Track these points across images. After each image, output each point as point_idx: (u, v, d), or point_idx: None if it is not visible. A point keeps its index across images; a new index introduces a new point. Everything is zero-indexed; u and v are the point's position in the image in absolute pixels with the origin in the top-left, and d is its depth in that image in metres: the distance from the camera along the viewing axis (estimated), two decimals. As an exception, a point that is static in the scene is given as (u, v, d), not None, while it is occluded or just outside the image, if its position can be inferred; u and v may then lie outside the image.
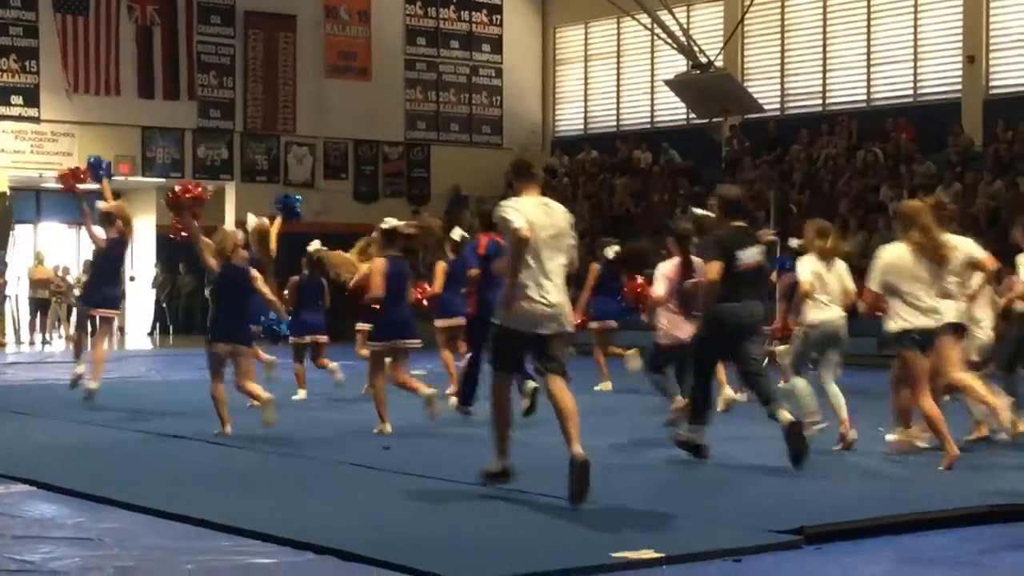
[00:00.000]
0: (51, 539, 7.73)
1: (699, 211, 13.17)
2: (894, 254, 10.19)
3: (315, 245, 15.11)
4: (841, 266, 11.50)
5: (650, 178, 30.79)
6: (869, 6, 28.49)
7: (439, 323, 15.08)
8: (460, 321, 14.31)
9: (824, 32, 29.42)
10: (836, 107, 29.14)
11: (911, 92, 28.08)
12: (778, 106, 30.07)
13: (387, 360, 12.32)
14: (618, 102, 33.66)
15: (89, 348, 14.96)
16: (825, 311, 11.17)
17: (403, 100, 33.16)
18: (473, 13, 34.08)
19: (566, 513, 8.20)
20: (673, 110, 31.48)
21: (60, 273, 29.75)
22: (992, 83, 26.65)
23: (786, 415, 9.91)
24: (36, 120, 28.98)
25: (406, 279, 12.45)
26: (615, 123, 33.59)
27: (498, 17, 34.42)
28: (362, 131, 32.38)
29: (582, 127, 34.46)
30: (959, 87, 27.08)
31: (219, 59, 30.86)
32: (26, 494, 9.27)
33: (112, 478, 9.69)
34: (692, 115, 30.30)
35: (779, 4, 30.02)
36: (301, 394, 15.27)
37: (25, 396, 15.30)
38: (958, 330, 10.85)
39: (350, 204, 31.54)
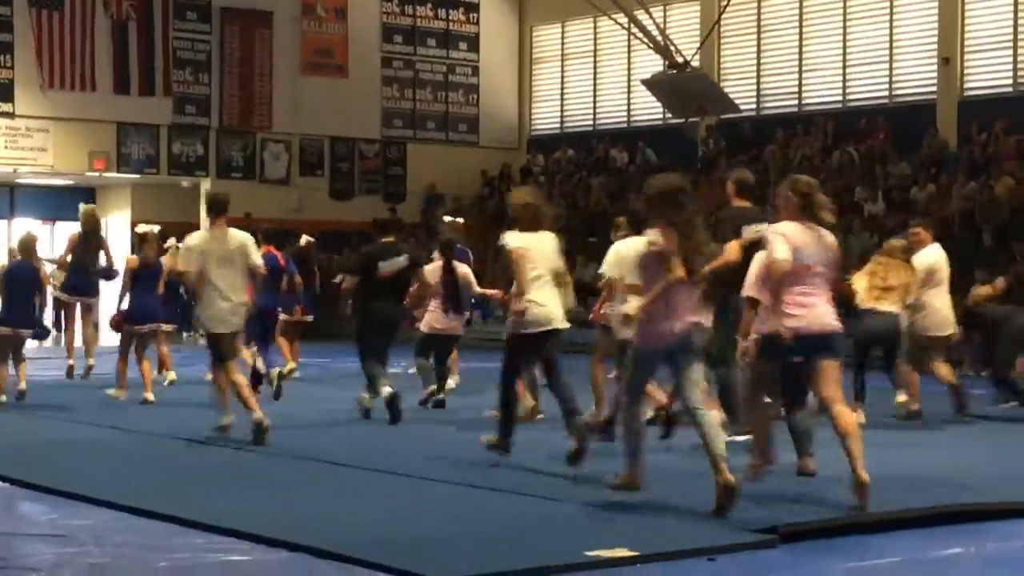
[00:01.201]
0: (24, 536, 7.70)
1: (448, 218, 14.80)
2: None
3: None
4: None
5: (626, 177, 30.82)
6: (845, 7, 28.57)
7: None
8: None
9: (800, 33, 29.49)
10: (811, 108, 29.21)
11: (886, 93, 28.17)
12: (754, 106, 30.13)
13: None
14: (594, 101, 33.69)
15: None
16: None
17: (380, 97, 33.11)
18: (450, 11, 34.05)
19: (540, 511, 8.21)
20: (649, 109, 31.50)
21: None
22: (967, 85, 26.76)
23: (387, 390, 12.59)
24: (10, 115, 28.83)
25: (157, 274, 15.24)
26: (591, 122, 33.62)
27: (475, 15, 34.40)
28: (338, 128, 32.32)
29: (558, 126, 34.47)
30: (934, 89, 27.18)
31: (195, 55, 30.77)
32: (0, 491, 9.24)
33: (86, 475, 9.66)
34: (668, 115, 30.32)
35: (755, 4, 30.07)
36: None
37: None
38: None
39: (326, 201, 31.51)
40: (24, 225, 31.07)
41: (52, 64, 28.95)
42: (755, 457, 8.73)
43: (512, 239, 10.07)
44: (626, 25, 29.63)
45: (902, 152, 26.47)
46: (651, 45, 29.13)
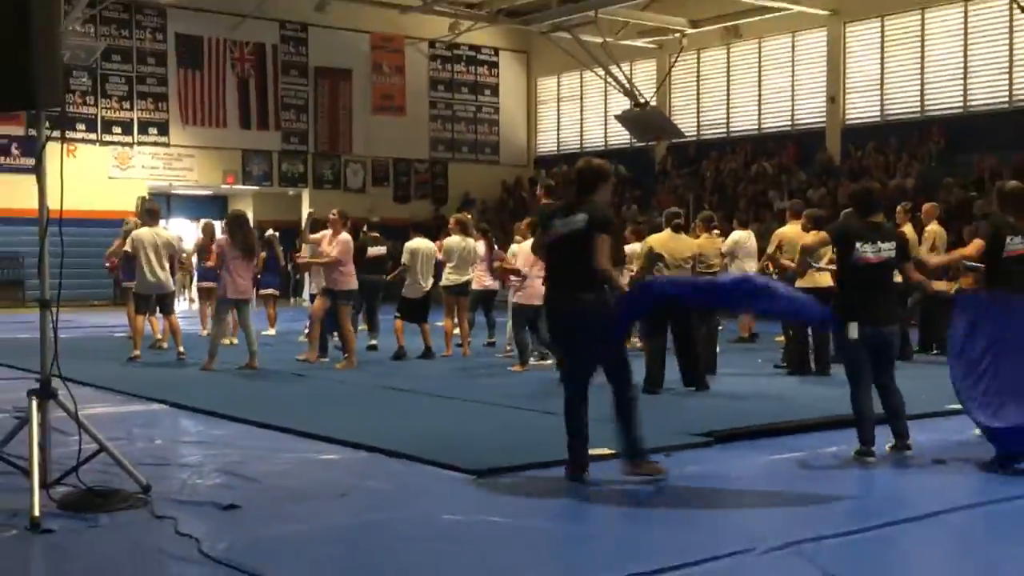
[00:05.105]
0: (180, 442, 7.74)
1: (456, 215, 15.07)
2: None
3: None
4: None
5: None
6: (760, 61, 28.42)
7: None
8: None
9: (728, 80, 29.33)
10: (736, 134, 29.09)
11: (790, 123, 28.04)
12: (695, 133, 30.02)
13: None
14: (581, 131, 33.58)
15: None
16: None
17: (428, 129, 33.06)
18: (478, 68, 33.94)
19: (544, 424, 8.22)
20: (620, 136, 31.38)
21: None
22: (847, 116, 26.62)
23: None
24: (167, 145, 28.87)
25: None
26: (579, 145, 33.49)
27: (496, 70, 34.29)
28: (399, 152, 32.31)
29: (556, 149, 34.36)
30: (824, 119, 27.04)
31: (296, 101, 30.73)
32: (161, 411, 9.28)
33: (219, 400, 9.70)
34: (634, 140, 30.24)
35: (695, 59, 29.92)
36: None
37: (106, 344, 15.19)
38: None
39: (391, 204, 31.46)
40: (179, 224, 31.32)
41: (193, 108, 28.98)
42: None
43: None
44: (603, 76, 29.52)
45: (801, 165, 26.38)
46: (621, 90, 29.01)
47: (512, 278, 12.02)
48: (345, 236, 12.33)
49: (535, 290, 11.66)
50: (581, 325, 6.08)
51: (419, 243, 13.28)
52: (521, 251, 12.00)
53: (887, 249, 6.79)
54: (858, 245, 6.75)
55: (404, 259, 13.37)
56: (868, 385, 6.83)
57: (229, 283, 11.84)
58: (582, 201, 6.26)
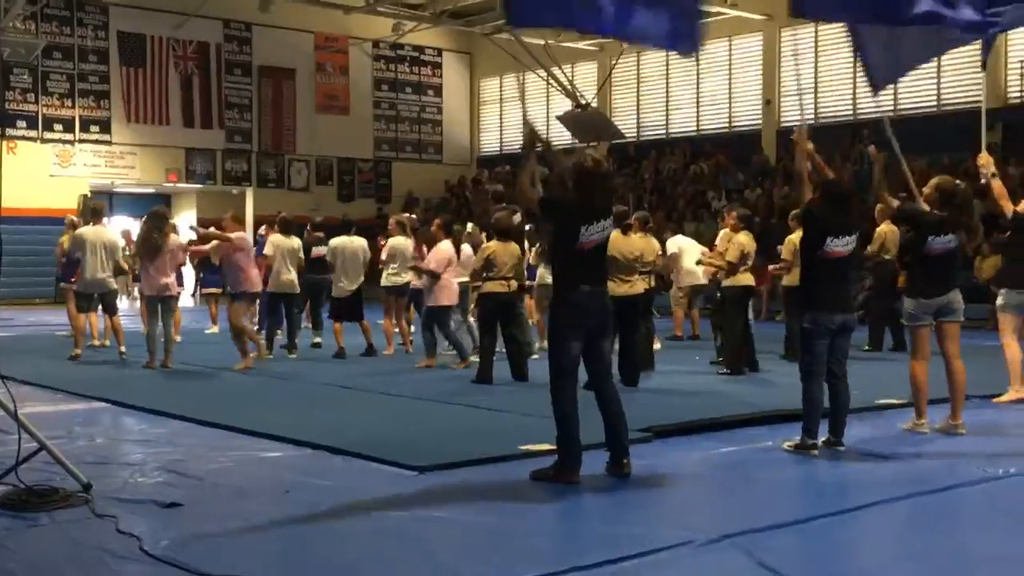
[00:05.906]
0: (121, 440, 7.62)
1: (396, 216, 14.76)
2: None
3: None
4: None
5: (546, 184, 30.70)
6: (698, 64, 28.64)
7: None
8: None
9: (667, 81, 29.56)
10: (675, 135, 29.33)
11: (727, 125, 28.31)
12: (635, 134, 30.20)
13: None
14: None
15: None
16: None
17: (372, 129, 32.91)
18: (421, 68, 33.86)
19: (485, 420, 8.21)
20: (563, 137, 31.47)
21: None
22: (782, 119, 26.94)
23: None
24: (109, 143, 28.42)
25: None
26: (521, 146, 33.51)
27: (439, 71, 34.22)
28: (343, 151, 32.13)
29: (498, 149, 34.40)
30: (760, 121, 27.35)
31: (240, 100, 30.43)
32: (103, 409, 9.13)
33: (161, 397, 9.58)
34: (576, 140, 30.34)
35: (635, 61, 30.10)
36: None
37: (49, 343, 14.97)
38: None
39: (335, 203, 31.28)
40: (120, 222, 30.83)
41: (136, 105, 28.58)
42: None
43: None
44: (545, 77, 29.59)
45: (738, 166, 26.65)
46: (563, 91, 29.09)
47: (424, 278, 11.79)
48: (243, 234, 12.41)
49: (453, 290, 11.64)
50: (609, 315, 6.32)
51: (342, 241, 13.09)
52: (435, 253, 11.72)
53: (851, 241, 7.03)
54: (828, 239, 6.91)
55: (327, 256, 13.22)
56: (822, 378, 6.97)
57: (146, 280, 12.01)
58: (609, 206, 6.49)
